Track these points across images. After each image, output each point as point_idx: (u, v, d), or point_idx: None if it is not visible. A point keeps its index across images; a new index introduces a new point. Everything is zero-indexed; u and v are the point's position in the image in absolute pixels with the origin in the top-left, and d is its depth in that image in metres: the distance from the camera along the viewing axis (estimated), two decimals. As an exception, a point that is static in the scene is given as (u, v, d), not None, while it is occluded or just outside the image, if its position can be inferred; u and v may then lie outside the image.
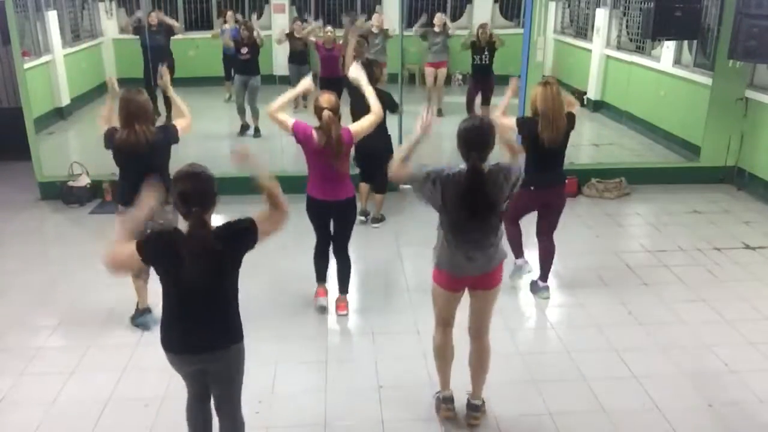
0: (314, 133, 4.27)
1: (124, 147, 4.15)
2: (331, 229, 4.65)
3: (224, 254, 2.73)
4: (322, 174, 4.40)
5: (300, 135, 4.30)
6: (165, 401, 3.73)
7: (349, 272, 4.75)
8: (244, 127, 9.03)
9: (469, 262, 3.31)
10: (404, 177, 3.39)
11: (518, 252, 5.03)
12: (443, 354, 3.60)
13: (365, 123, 4.40)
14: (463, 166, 3.23)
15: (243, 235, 2.78)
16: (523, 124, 4.67)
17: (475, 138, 3.19)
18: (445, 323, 3.54)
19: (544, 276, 4.99)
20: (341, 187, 4.45)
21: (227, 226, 2.79)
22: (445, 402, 3.64)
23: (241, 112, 8.99)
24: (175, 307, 2.78)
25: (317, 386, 3.92)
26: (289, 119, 4.33)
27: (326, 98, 4.27)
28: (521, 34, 7.00)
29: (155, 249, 2.72)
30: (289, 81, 9.17)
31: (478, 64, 9.26)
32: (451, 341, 3.58)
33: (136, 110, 4.13)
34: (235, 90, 9.14)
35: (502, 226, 3.42)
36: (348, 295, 4.79)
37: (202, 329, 2.78)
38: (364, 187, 6.30)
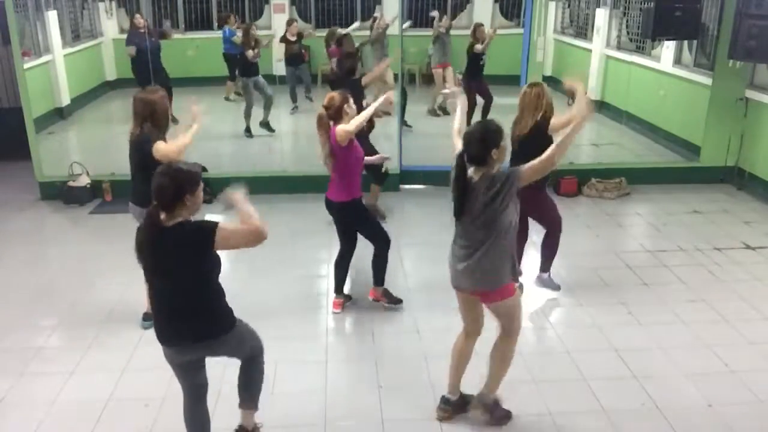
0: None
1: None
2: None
3: (178, 249, 2.75)
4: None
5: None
6: (165, 401, 3.73)
7: None
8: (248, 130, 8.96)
9: None
10: None
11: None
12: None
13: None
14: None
15: (194, 234, 2.75)
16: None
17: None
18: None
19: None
20: None
21: (186, 224, 2.78)
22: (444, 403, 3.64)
23: (247, 115, 8.91)
24: (156, 299, 2.90)
25: (317, 386, 3.92)
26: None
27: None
28: (521, 34, 7.00)
29: (136, 245, 2.81)
30: (286, 81, 9.87)
31: None
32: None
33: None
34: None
35: None
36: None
37: (179, 322, 2.85)
38: None
